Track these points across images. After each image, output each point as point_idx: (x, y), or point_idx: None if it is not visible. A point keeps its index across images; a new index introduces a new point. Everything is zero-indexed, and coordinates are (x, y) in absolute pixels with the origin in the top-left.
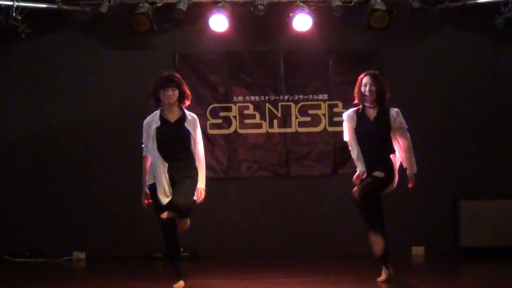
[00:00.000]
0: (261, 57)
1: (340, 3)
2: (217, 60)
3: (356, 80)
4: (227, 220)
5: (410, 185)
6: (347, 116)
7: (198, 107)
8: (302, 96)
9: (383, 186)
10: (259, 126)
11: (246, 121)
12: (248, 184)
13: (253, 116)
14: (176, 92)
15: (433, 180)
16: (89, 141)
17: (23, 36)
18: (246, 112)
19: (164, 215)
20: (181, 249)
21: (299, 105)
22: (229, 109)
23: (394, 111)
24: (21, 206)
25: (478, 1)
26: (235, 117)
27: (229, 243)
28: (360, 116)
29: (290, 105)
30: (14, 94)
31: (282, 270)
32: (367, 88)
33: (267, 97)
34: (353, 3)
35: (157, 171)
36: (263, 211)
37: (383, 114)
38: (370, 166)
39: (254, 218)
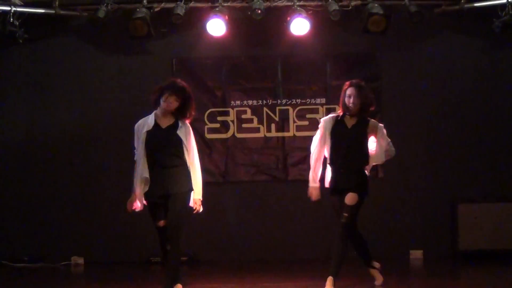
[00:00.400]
0: (258, 61)
1: (337, 7)
2: (215, 64)
3: None
4: (225, 224)
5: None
6: (324, 121)
7: (196, 112)
8: (299, 100)
9: (358, 208)
10: (257, 130)
11: (244, 125)
12: (246, 188)
13: (251, 120)
14: (178, 103)
15: (431, 184)
16: (87, 146)
17: (21, 41)
18: (244, 116)
19: (161, 223)
20: None
21: (297, 109)
22: (227, 113)
23: (374, 123)
24: (19, 211)
25: (475, 4)
26: (233, 121)
27: (227, 247)
28: (338, 123)
29: (287, 109)
30: (11, 99)
31: (281, 274)
32: (351, 100)
33: (264, 101)
34: (350, 7)
35: (143, 178)
36: (262, 215)
37: (361, 123)
38: (340, 175)
39: (252, 222)
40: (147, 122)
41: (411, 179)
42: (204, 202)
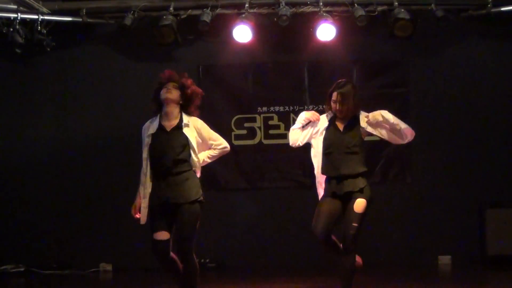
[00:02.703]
0: (285, 68)
1: (363, 13)
2: (241, 71)
3: (379, 89)
4: (252, 230)
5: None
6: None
7: (223, 118)
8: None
9: (366, 216)
10: (284, 136)
11: (271, 131)
12: (273, 195)
13: (278, 127)
14: (177, 92)
15: (459, 189)
16: (115, 153)
17: (49, 49)
18: (270, 122)
19: (157, 235)
20: (207, 260)
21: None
22: (253, 119)
23: (363, 114)
24: (47, 218)
25: (502, 9)
26: (259, 127)
27: (254, 253)
28: (330, 124)
29: None
30: (39, 107)
31: (309, 281)
32: (336, 106)
33: (291, 108)
34: (376, 13)
35: (146, 191)
36: (288, 221)
37: (352, 123)
38: (340, 183)
39: (279, 228)
40: (152, 124)
41: (438, 184)
42: (231, 208)
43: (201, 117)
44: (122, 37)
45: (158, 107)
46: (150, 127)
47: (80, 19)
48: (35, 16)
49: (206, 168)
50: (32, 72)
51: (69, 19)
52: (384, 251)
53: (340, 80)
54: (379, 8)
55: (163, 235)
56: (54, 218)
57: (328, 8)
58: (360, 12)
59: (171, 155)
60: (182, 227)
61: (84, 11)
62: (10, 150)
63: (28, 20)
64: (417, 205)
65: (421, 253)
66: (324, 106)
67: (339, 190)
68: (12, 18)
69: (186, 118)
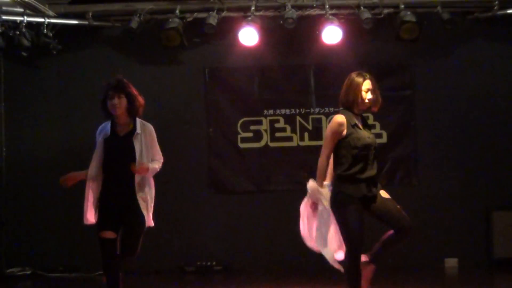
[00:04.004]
0: (291, 70)
1: (369, 15)
2: (248, 73)
3: (385, 92)
4: (259, 233)
5: None
6: (342, 122)
7: (229, 121)
8: (332, 109)
9: None
10: (290, 139)
11: (277, 134)
12: (279, 197)
13: (284, 129)
14: (124, 100)
15: (465, 191)
16: None
17: (55, 52)
18: (277, 125)
19: (106, 234)
20: (214, 263)
21: (330, 117)
22: (260, 122)
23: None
24: (54, 221)
25: (508, 11)
26: (266, 130)
27: (261, 256)
28: (352, 125)
29: (320, 118)
30: (45, 110)
31: (316, 283)
32: (368, 95)
33: (297, 110)
34: (382, 15)
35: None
36: (295, 224)
37: (365, 121)
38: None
39: (285, 231)
40: (106, 127)
41: (445, 187)
42: (238, 211)
43: (208, 120)
44: (128, 40)
45: (106, 114)
46: (103, 130)
47: (86, 22)
48: (41, 19)
49: (212, 171)
50: (38, 75)
51: (75, 22)
52: (390, 253)
53: (357, 72)
54: (385, 11)
55: (110, 234)
56: (61, 221)
57: (334, 11)
58: (366, 15)
59: (123, 163)
60: (131, 245)
61: (90, 14)
62: (17, 152)
63: (34, 23)
64: (424, 208)
65: (428, 256)
66: (329, 109)
67: (370, 192)
68: (18, 21)
69: (138, 127)
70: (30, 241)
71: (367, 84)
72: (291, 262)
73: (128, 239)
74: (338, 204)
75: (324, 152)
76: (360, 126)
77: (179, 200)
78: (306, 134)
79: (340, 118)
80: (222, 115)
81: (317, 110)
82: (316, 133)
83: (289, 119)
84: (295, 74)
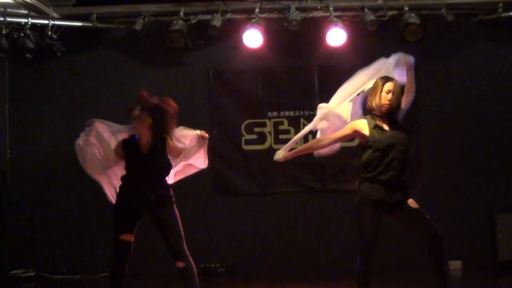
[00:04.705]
0: (295, 72)
1: (373, 18)
2: (252, 75)
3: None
4: (262, 235)
5: None
6: (355, 125)
7: (233, 123)
8: None
9: None
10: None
11: (281, 136)
12: (283, 200)
13: (288, 132)
14: (148, 121)
15: (469, 194)
16: None
17: (59, 54)
18: (281, 127)
19: (127, 237)
20: (217, 265)
21: None
22: (263, 124)
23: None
24: (58, 223)
25: None
26: (270, 132)
27: (264, 258)
28: (372, 127)
29: None
30: (50, 112)
31: (321, 285)
32: (388, 97)
33: (301, 112)
34: (386, 17)
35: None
36: (299, 226)
37: (395, 121)
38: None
39: (290, 233)
40: (132, 142)
41: (449, 189)
42: (242, 213)
43: (212, 122)
44: (132, 42)
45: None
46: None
47: (91, 24)
48: (46, 21)
49: (216, 173)
50: (42, 77)
51: (80, 24)
52: (394, 256)
53: (384, 75)
54: (389, 13)
55: (129, 237)
56: (65, 223)
57: (338, 13)
58: (371, 17)
59: (149, 176)
60: (173, 234)
61: (95, 16)
62: (21, 154)
63: (38, 25)
64: (428, 210)
65: None
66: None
67: (390, 197)
68: (23, 23)
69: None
70: (34, 242)
71: (388, 86)
72: (295, 264)
73: (174, 241)
74: (356, 205)
75: (325, 138)
76: (385, 127)
77: (183, 202)
78: (310, 136)
79: (357, 121)
80: (226, 117)
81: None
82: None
83: (293, 121)
84: (299, 76)
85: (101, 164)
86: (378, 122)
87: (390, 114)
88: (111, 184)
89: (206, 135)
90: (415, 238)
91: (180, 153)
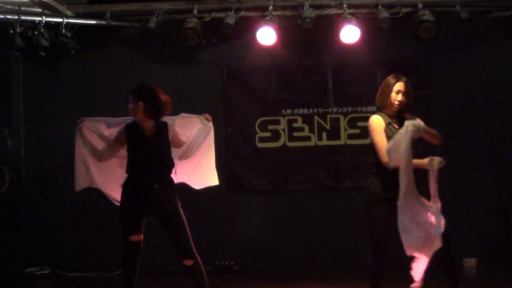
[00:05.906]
0: (309, 70)
1: (387, 15)
2: (265, 73)
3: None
4: (276, 233)
5: None
6: (378, 119)
7: (247, 121)
8: (350, 108)
9: None
10: (308, 139)
11: (295, 134)
12: (297, 197)
13: (302, 129)
14: (140, 104)
15: (484, 190)
16: None
17: (73, 52)
18: (294, 125)
19: (136, 237)
20: (232, 263)
21: (348, 117)
22: (277, 122)
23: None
24: (72, 221)
25: None
26: (283, 130)
27: (279, 256)
28: (388, 123)
29: (339, 118)
30: (64, 109)
31: (334, 284)
32: (398, 97)
33: (315, 110)
34: (400, 14)
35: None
36: (313, 224)
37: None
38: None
39: (303, 231)
40: (135, 126)
41: (463, 187)
42: (256, 210)
43: (226, 119)
44: (146, 40)
45: None
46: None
47: (105, 22)
48: (60, 19)
49: (230, 171)
50: (56, 75)
51: (94, 22)
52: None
53: (394, 74)
54: (403, 10)
55: (138, 237)
56: (80, 221)
57: (352, 10)
58: (384, 14)
59: (153, 162)
60: (181, 232)
61: (109, 14)
62: (36, 152)
63: (52, 23)
64: (442, 207)
65: None
66: (347, 108)
67: (390, 194)
68: (37, 22)
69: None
70: (48, 240)
71: (398, 86)
72: (309, 262)
73: (180, 239)
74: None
75: (379, 148)
76: (395, 126)
77: (196, 200)
78: (324, 134)
79: (375, 117)
80: (240, 114)
81: (335, 109)
82: (334, 133)
83: (307, 119)
84: (313, 73)
85: (101, 158)
86: (390, 120)
87: (400, 112)
88: (111, 186)
89: (210, 117)
90: None
91: (181, 144)
